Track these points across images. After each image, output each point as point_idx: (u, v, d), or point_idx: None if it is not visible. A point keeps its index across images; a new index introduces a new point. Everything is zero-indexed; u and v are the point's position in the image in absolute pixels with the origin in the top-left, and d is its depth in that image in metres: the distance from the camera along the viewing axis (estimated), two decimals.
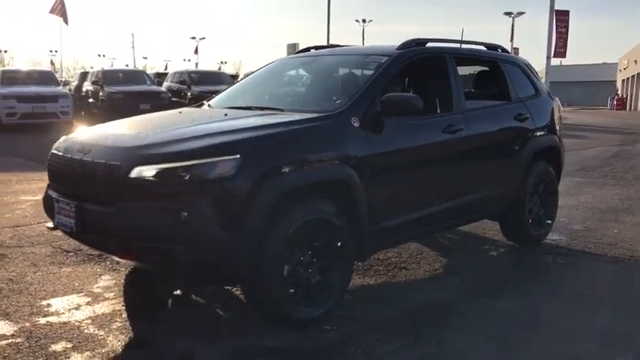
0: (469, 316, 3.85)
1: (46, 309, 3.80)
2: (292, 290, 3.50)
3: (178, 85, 21.54)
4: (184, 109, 4.62)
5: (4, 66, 56.57)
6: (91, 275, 4.48)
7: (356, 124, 3.82)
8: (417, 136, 4.24)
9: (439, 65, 4.73)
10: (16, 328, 3.49)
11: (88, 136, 3.84)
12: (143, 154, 3.29)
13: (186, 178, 3.17)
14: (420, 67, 4.76)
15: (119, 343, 3.32)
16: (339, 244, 3.69)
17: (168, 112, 4.42)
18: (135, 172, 3.21)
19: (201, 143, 3.33)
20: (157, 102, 17.46)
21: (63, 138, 4.02)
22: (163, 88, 20.62)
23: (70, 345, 3.27)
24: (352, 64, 4.82)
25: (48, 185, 3.92)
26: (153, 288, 4.26)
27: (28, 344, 3.28)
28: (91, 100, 20.27)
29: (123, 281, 4.35)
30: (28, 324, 3.56)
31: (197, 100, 16.83)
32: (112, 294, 4.09)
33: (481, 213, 5.06)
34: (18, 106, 15.87)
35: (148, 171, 3.20)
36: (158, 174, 3.18)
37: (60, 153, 3.74)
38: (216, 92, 5.09)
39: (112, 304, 3.89)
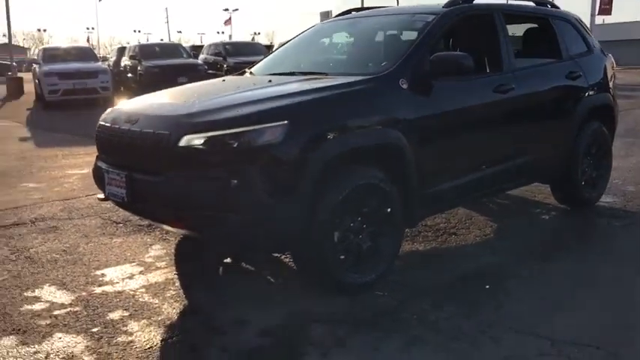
0: (525, 280, 3.75)
1: (100, 279, 3.87)
2: (343, 257, 3.46)
3: (214, 57, 21.54)
4: (227, 78, 4.58)
5: (43, 44, 57.57)
6: (142, 245, 4.53)
7: (404, 86, 3.72)
8: (467, 97, 4.10)
9: (487, 23, 4.55)
10: (73, 297, 3.56)
11: (135, 106, 3.84)
12: (191, 122, 3.27)
13: (235, 145, 3.13)
14: (468, 25, 4.60)
15: (174, 310, 3.36)
16: (389, 209, 3.63)
17: (212, 81, 4.38)
18: (184, 141, 3.19)
19: (248, 110, 3.28)
20: (193, 75, 17.47)
21: (110, 109, 4.03)
22: (199, 61, 20.65)
23: (126, 313, 3.31)
24: (397, 24, 4.68)
25: (97, 157, 3.95)
26: (203, 257, 4.28)
27: (85, 313, 3.33)
28: (129, 75, 20.46)
29: (173, 250, 4.39)
30: (84, 293, 3.62)
31: (233, 72, 16.87)
32: (164, 263, 4.13)
33: (532, 176, 4.91)
34: (60, 82, 16.12)
35: (197, 139, 3.18)
36: (207, 142, 3.15)
37: (107, 124, 3.75)
38: (252, 63, 5.01)
39: (165, 273, 3.93)
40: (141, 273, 3.95)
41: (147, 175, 3.34)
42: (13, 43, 26.76)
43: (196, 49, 24.88)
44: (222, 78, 4.41)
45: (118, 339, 3.02)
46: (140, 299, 3.51)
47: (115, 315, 3.30)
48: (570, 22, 5.35)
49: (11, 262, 4.24)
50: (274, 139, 3.15)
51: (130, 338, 3.02)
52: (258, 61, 5.05)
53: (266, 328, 3.11)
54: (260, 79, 4.11)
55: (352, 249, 3.52)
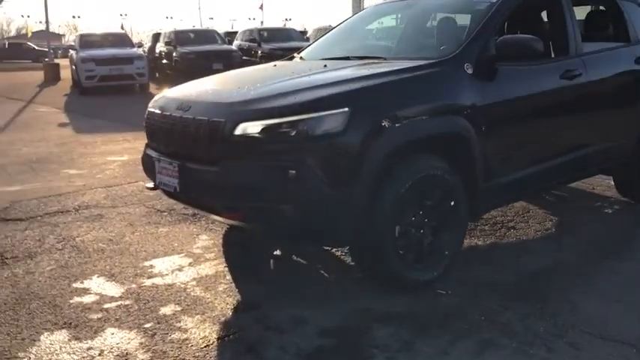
0: (597, 280, 3.52)
1: (149, 270, 3.75)
2: (404, 252, 3.27)
3: (248, 43, 21.39)
4: (278, 63, 4.39)
5: (77, 31, 58.22)
6: (189, 235, 4.41)
7: (469, 71, 3.49)
8: (533, 83, 3.85)
9: (553, 4, 4.27)
10: (123, 290, 3.44)
11: (186, 92, 3.68)
12: (247, 109, 3.10)
13: (293, 134, 2.96)
14: (533, 6, 4.32)
15: (228, 306, 3.21)
16: (452, 202, 3.42)
17: (263, 66, 4.20)
18: (240, 129, 3.03)
19: (307, 96, 3.10)
20: (229, 61, 17.37)
21: (159, 96, 3.89)
22: (234, 47, 20.54)
23: (178, 308, 3.18)
24: (457, 5, 4.43)
25: (146, 145, 3.81)
26: (252, 248, 4.13)
27: (137, 307, 3.21)
28: (164, 61, 20.46)
29: (221, 241, 4.25)
30: (134, 285, 3.51)
31: (268, 59, 16.67)
32: (212, 254, 4.00)
33: (597, 167, 4.63)
34: (97, 68, 16.17)
35: (253, 127, 3.01)
36: (264, 130, 2.99)
37: (157, 111, 3.61)
38: (288, 49, 4.81)
39: (214, 265, 3.79)
40: (190, 265, 3.82)
41: (200, 165, 3.19)
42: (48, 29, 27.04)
43: (230, 36, 24.78)
44: (273, 63, 4.23)
45: (173, 336, 2.89)
46: (192, 293, 3.38)
47: (168, 310, 3.17)
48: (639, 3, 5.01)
49: (58, 251, 4.15)
50: (335, 127, 2.97)
51: (184, 335, 2.89)
52: (292, 48, 4.85)
53: (326, 328, 2.94)
54: (315, 64, 3.92)
55: (413, 244, 3.32)
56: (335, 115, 2.97)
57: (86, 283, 3.56)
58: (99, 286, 3.52)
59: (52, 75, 21.43)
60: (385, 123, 3.07)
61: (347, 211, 3.02)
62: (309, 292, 3.38)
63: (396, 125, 3.11)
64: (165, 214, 4.95)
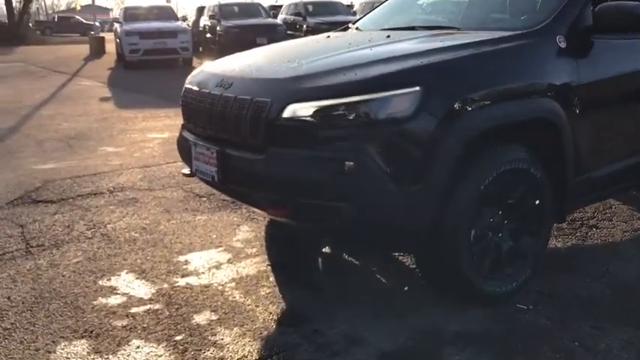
0: None
1: (184, 267, 3.34)
2: (479, 260, 2.77)
3: (293, 17, 20.80)
4: (332, 33, 3.88)
5: (124, 4, 58.53)
6: (228, 225, 3.99)
7: (562, 44, 2.91)
8: (635, 59, 3.24)
9: None
10: (153, 290, 3.05)
11: (227, 67, 3.22)
12: (298, 88, 2.62)
13: (351, 118, 2.47)
14: None
15: (271, 317, 2.77)
16: (537, 201, 2.89)
17: (315, 37, 3.70)
18: (288, 111, 2.55)
19: (369, 73, 2.59)
20: (273, 35, 16.86)
21: (197, 70, 3.44)
22: (279, 21, 20.01)
23: (214, 317, 2.76)
24: None
25: (182, 126, 3.38)
26: (298, 243, 3.68)
27: (168, 312, 2.81)
28: (208, 35, 20.11)
29: (263, 234, 3.82)
30: (166, 285, 3.11)
31: (313, 33, 16.06)
32: (254, 249, 3.56)
33: None
34: (140, 42, 15.93)
35: (305, 109, 2.53)
36: (317, 113, 2.51)
37: (195, 88, 3.16)
38: (334, 23, 4.24)
39: (256, 264, 3.36)
40: (229, 262, 3.40)
41: (243, 152, 2.73)
42: (96, 3, 27.02)
43: (275, 9, 24.24)
44: (326, 34, 3.72)
45: (207, 353, 2.47)
46: (230, 297, 2.96)
47: (202, 318, 2.75)
48: None
49: (87, 239, 3.79)
50: (403, 110, 2.46)
51: (220, 353, 2.47)
52: (338, 23, 4.30)
53: (387, 352, 2.47)
54: (375, 34, 3.39)
55: (490, 250, 2.81)
56: (403, 96, 2.47)
57: (113, 281, 3.17)
58: (127, 284, 3.13)
59: (98, 48, 21.38)
60: (462, 106, 2.55)
61: (415, 211, 2.53)
62: (366, 302, 2.91)
63: (477, 108, 2.58)
64: (204, 199, 4.55)
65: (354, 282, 3.14)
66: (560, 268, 3.26)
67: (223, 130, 2.85)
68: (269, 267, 3.32)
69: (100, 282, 3.16)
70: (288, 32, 18.86)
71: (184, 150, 3.24)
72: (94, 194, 4.78)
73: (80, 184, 5.05)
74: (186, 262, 3.40)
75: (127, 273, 3.27)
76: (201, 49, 20.36)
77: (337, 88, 2.54)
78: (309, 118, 2.52)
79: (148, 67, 15.81)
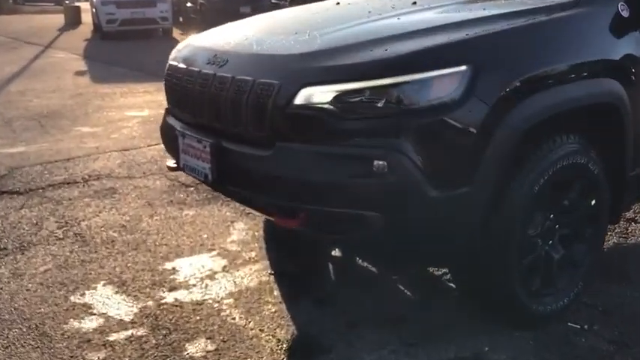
0: None
1: (171, 277, 2.85)
2: (529, 273, 2.31)
3: None
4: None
5: None
6: (221, 222, 3.49)
7: (624, 13, 2.43)
8: None
9: None
10: (136, 310, 2.55)
11: (219, 40, 2.67)
12: (313, 66, 2.10)
13: (381, 105, 1.97)
14: None
15: (280, 346, 2.29)
16: (594, 200, 2.43)
17: (322, 5, 3.15)
18: (301, 97, 2.05)
19: (402, 48, 2.08)
20: (257, 4, 16.08)
21: (183, 44, 2.89)
22: None
23: (211, 347, 2.28)
24: None
25: (167, 110, 2.85)
26: (302, 244, 3.19)
27: (154, 341, 2.32)
28: (188, 4, 19.21)
29: (262, 233, 3.32)
30: (150, 302, 2.61)
31: (299, 3, 15.33)
32: (253, 254, 3.07)
33: None
34: (118, 12, 15.10)
35: (322, 94, 2.03)
36: (337, 99, 2.00)
37: (181, 65, 2.62)
38: None
39: (256, 272, 2.87)
40: (225, 270, 2.91)
41: (243, 147, 2.23)
42: None
43: None
44: (335, 0, 3.17)
45: None
46: (228, 319, 2.47)
47: (197, 349, 2.27)
48: None
49: (57, 240, 3.27)
50: (446, 95, 1.97)
51: None
52: None
53: None
54: (396, 1, 2.85)
55: (541, 261, 2.36)
56: (447, 77, 1.98)
57: (88, 296, 2.67)
58: (105, 301, 2.63)
59: (73, 18, 20.37)
60: (520, 88, 2.06)
61: (459, 220, 2.06)
62: (391, 323, 2.44)
63: (535, 92, 2.10)
64: (192, 189, 4.03)
65: (374, 295, 2.67)
66: (608, 275, 2.82)
67: (218, 119, 2.33)
68: (272, 276, 2.83)
69: (73, 298, 2.66)
70: (273, 1, 18.09)
71: (169, 140, 2.71)
72: (67, 184, 4.24)
73: (51, 172, 4.50)
74: (174, 271, 2.90)
75: (104, 285, 2.77)
76: (181, 19, 19.48)
77: (363, 68, 2.03)
78: (327, 106, 2.01)
79: (125, 38, 15.00)
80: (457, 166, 2.01)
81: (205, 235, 3.32)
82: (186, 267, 2.94)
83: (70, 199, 3.91)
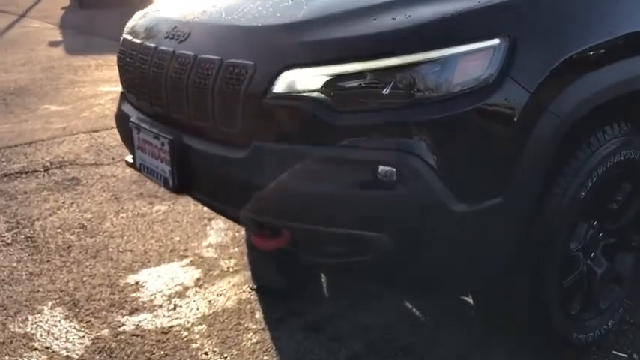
0: None
1: (134, 294, 2.39)
2: (569, 294, 1.87)
3: None
4: None
5: None
6: (196, 221, 3.02)
7: None
8: None
9: None
10: (88, 342, 2.10)
11: (184, 7, 2.14)
12: (298, 42, 1.60)
13: (388, 92, 1.48)
14: None
15: None
16: None
17: None
18: (283, 82, 1.56)
19: (414, 17, 1.56)
20: None
21: (141, 12, 2.37)
22: None
23: None
24: None
25: (121, 95, 2.34)
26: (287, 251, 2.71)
27: None
28: None
29: (244, 234, 2.85)
30: (106, 331, 2.16)
31: None
32: (232, 261, 2.61)
33: None
34: None
35: (311, 79, 1.54)
36: (331, 85, 1.52)
37: (137, 40, 2.11)
38: None
39: (236, 287, 2.41)
40: (198, 284, 2.45)
41: (211, 146, 1.74)
42: None
43: None
44: None
45: None
46: (200, 354, 2.02)
47: None
48: None
49: (4, 247, 2.80)
50: (474, 78, 1.49)
51: None
52: None
53: None
54: None
55: (583, 279, 1.91)
56: (475, 56, 1.49)
57: (31, 323, 2.21)
58: (51, 329, 2.17)
59: None
60: (569, 67, 1.58)
61: (491, 239, 1.59)
62: (397, 353, 1.99)
63: (586, 71, 1.62)
64: None
65: (378, 318, 2.21)
66: None
67: (179, 110, 1.83)
68: (254, 292, 2.38)
69: (12, 326, 2.20)
70: None
71: (125, 132, 2.22)
72: (25, 173, 3.74)
73: (9, 159, 3.99)
74: (138, 287, 2.44)
75: (52, 307, 2.31)
76: None
77: (365, 43, 1.54)
78: (316, 94, 1.53)
79: (107, 5, 14.24)
80: (488, 170, 1.54)
81: (177, 238, 2.85)
82: (153, 281, 2.48)
83: (25, 193, 3.42)
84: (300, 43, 1.58)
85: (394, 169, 1.48)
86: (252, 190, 1.64)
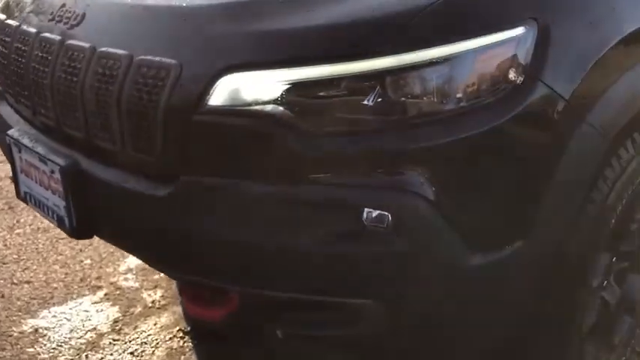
0: None
1: (30, 350, 1.86)
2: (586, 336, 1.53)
3: None
4: None
5: None
6: None
7: None
8: None
9: None
10: None
11: None
12: (243, 32, 1.11)
13: (372, 103, 1.04)
14: None
15: None
16: None
17: None
18: (222, 91, 1.08)
19: (407, 2, 1.09)
20: None
21: None
22: None
23: None
24: None
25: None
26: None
27: None
28: None
29: None
30: None
31: None
32: (158, 293, 2.12)
33: None
34: None
35: (262, 87, 1.07)
36: (294, 95, 1.05)
37: (11, 22, 1.54)
38: None
39: (165, 332, 1.93)
40: (115, 329, 1.95)
41: (122, 176, 1.24)
42: None
43: None
44: None
45: None
46: None
47: None
48: None
49: None
50: (493, 83, 1.07)
51: None
52: None
53: None
54: None
55: (600, 315, 1.57)
56: (492, 53, 1.07)
57: None
58: None
59: None
60: (612, 60, 1.19)
61: (511, 291, 1.21)
62: None
63: (628, 68, 1.23)
64: None
65: None
66: None
67: (73, 123, 1.31)
68: (185, 337, 1.90)
69: None
70: None
71: (2, 145, 1.65)
72: None
73: None
74: (37, 337, 1.91)
75: None
76: None
77: (343, 35, 1.07)
78: (274, 108, 1.06)
79: None
80: (512, 206, 1.14)
81: (88, 261, 2.32)
82: (57, 327, 1.96)
83: None
84: (249, 33, 1.09)
85: (387, 214, 1.04)
86: (182, 241, 1.17)
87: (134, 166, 1.22)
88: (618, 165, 1.35)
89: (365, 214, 1.05)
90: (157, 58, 1.13)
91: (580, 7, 1.16)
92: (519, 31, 1.08)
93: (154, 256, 1.27)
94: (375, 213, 1.05)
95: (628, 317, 1.71)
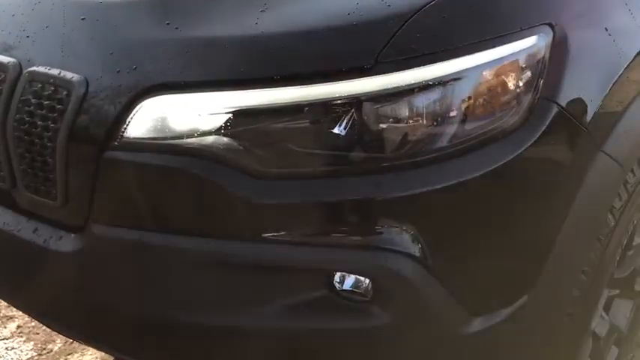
0: None
1: None
2: None
3: None
4: None
5: None
6: None
7: None
8: None
9: None
10: None
11: None
12: (173, 39, 0.83)
13: (342, 133, 0.79)
14: None
15: None
16: None
17: None
18: (143, 118, 0.81)
19: (393, 7, 0.82)
20: None
21: None
22: None
23: None
24: None
25: None
26: None
27: None
28: None
29: None
30: None
31: None
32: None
33: None
34: None
35: (198, 114, 0.80)
36: (241, 125, 0.79)
37: None
38: None
39: None
40: None
41: (14, 219, 0.94)
42: None
43: None
44: None
45: None
46: None
47: None
48: None
49: None
50: (497, 110, 0.83)
51: None
52: None
53: None
54: None
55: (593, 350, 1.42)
56: (497, 71, 0.84)
57: None
58: None
59: None
60: (628, 80, 0.98)
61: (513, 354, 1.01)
62: None
63: None
64: None
65: None
66: None
67: None
68: None
69: None
70: None
71: None
72: None
73: None
74: None
75: None
76: None
77: (308, 48, 0.80)
78: (215, 142, 0.79)
79: None
80: (515, 259, 0.91)
81: None
82: None
83: None
84: (181, 40, 0.81)
85: (365, 279, 0.81)
86: (97, 310, 0.89)
87: (30, 208, 0.93)
88: (625, 192, 1.16)
89: (338, 280, 0.81)
90: (55, 71, 0.84)
91: (599, 15, 0.93)
92: (531, 41, 0.84)
93: (61, 322, 0.98)
94: (348, 278, 0.81)
95: (616, 349, 1.57)
